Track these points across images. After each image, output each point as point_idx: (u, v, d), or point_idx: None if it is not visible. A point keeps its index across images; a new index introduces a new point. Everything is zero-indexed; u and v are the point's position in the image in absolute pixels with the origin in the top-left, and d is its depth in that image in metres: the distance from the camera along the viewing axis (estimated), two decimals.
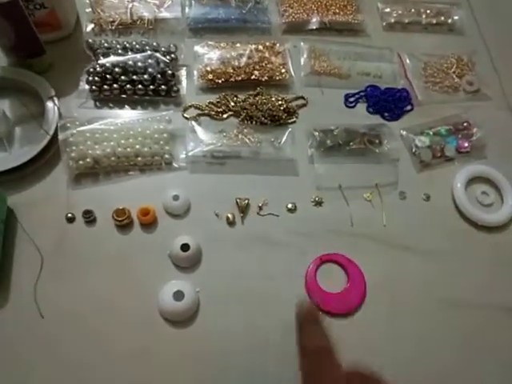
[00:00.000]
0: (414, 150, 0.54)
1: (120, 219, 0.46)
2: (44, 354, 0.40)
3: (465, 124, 0.56)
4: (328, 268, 0.47)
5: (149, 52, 0.54)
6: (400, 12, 0.65)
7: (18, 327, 0.41)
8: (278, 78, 0.57)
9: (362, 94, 0.58)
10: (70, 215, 0.46)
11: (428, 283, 0.47)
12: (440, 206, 0.52)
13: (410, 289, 0.47)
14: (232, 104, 0.55)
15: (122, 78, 0.53)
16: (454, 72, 0.61)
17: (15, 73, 0.52)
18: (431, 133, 0.55)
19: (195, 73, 0.57)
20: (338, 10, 0.63)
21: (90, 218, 0.46)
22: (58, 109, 0.50)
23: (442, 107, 0.58)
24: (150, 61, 0.53)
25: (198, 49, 0.58)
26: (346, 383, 0.31)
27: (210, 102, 0.55)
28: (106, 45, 0.55)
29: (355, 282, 0.46)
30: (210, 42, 0.59)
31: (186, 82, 0.56)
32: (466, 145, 0.55)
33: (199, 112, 0.54)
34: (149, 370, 0.41)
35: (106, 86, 0.53)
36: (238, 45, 0.59)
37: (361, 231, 0.49)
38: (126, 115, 0.53)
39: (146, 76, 0.53)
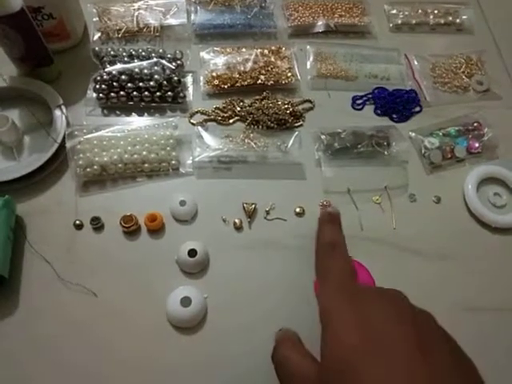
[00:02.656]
0: (423, 152, 0.53)
1: (127, 226, 0.46)
2: (52, 361, 0.40)
3: (475, 124, 0.55)
4: None
5: (155, 59, 0.54)
6: (407, 13, 0.65)
7: (27, 333, 0.42)
8: (284, 82, 0.57)
9: (370, 96, 0.58)
10: (78, 222, 0.47)
11: (440, 287, 0.46)
12: (451, 208, 0.51)
13: (422, 292, 0.45)
14: (238, 109, 0.55)
15: (129, 85, 0.53)
16: (463, 72, 0.60)
17: (24, 82, 0.52)
18: (441, 134, 0.55)
19: (201, 78, 0.57)
20: (343, 13, 0.63)
21: (97, 224, 0.46)
22: (66, 117, 0.51)
23: (451, 108, 0.57)
24: (156, 68, 0.54)
25: (204, 55, 0.58)
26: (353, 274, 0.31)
27: (216, 108, 0.55)
28: (112, 53, 0.55)
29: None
30: (215, 48, 0.59)
31: (192, 88, 0.56)
32: (477, 145, 0.53)
33: (205, 117, 0.55)
34: (156, 376, 0.40)
35: (112, 94, 0.53)
36: (244, 50, 0.59)
37: (370, 235, 0.48)
38: (133, 122, 0.53)
39: (152, 83, 0.53)
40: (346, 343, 0.26)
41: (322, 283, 0.31)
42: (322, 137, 0.53)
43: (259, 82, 0.56)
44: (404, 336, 0.25)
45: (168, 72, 0.54)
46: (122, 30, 0.59)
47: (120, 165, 0.49)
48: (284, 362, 0.34)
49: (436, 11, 0.65)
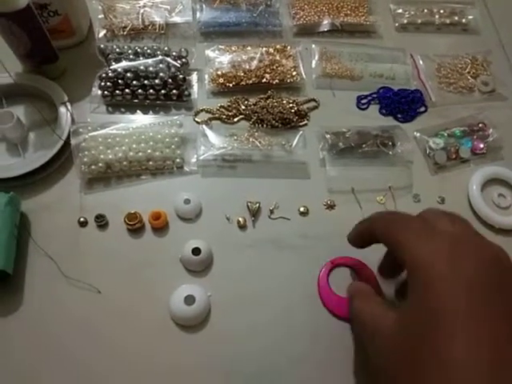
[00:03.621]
0: (428, 152, 0.53)
1: (132, 223, 0.46)
2: (56, 358, 0.41)
3: (480, 125, 0.55)
4: (341, 272, 0.46)
5: (160, 57, 0.54)
6: (413, 12, 0.64)
7: (31, 329, 0.42)
8: (289, 81, 0.57)
9: (375, 95, 0.58)
10: (82, 219, 0.47)
11: None
12: (455, 208, 0.50)
13: None
14: (243, 107, 0.55)
15: (134, 82, 0.53)
16: (468, 72, 0.60)
17: (29, 79, 0.52)
18: (446, 134, 0.54)
19: (206, 77, 0.57)
20: (349, 12, 0.62)
21: (102, 222, 0.47)
22: (71, 114, 0.51)
23: (456, 108, 0.57)
24: (161, 65, 0.54)
25: (209, 53, 0.58)
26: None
27: (221, 106, 0.55)
28: (117, 50, 0.55)
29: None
30: (220, 46, 0.59)
31: (197, 86, 0.56)
32: (482, 146, 0.53)
33: (210, 116, 0.55)
34: (159, 373, 0.40)
35: (117, 91, 0.53)
36: (249, 48, 0.59)
37: None
38: (138, 120, 0.53)
39: (157, 81, 0.53)
40: (440, 296, 0.26)
41: (404, 233, 0.32)
42: (327, 136, 0.53)
43: (264, 80, 0.56)
44: (500, 304, 0.26)
45: (173, 70, 0.54)
46: (128, 28, 0.59)
47: (125, 162, 0.49)
48: (357, 314, 0.35)
49: (442, 11, 0.65)
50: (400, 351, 0.27)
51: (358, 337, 0.39)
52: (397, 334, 0.29)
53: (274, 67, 0.57)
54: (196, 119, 0.54)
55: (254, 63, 0.57)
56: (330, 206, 0.50)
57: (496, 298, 0.26)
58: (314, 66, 0.59)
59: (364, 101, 0.57)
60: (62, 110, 0.51)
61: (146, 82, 0.53)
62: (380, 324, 0.31)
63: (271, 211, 0.49)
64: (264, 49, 0.58)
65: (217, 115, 0.55)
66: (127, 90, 0.53)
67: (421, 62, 0.60)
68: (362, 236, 0.39)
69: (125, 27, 0.59)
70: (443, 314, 0.25)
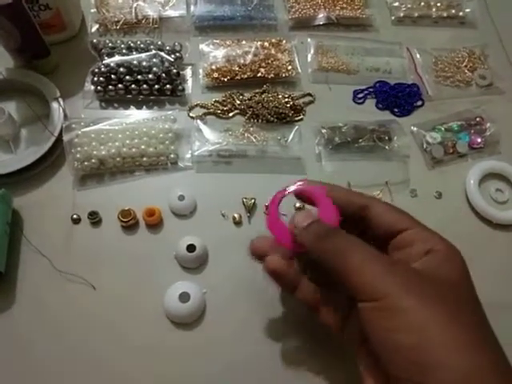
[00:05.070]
0: (425, 147, 0.53)
1: (125, 220, 0.45)
2: (50, 356, 0.40)
3: (477, 119, 0.55)
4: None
5: (153, 51, 0.54)
6: (409, 6, 0.64)
7: (24, 328, 0.41)
8: (284, 75, 0.56)
9: (371, 89, 0.57)
10: (75, 216, 0.46)
11: None
12: (452, 203, 0.50)
13: None
14: (238, 102, 0.54)
15: (127, 77, 0.52)
16: (465, 66, 0.59)
17: (20, 74, 0.52)
18: (443, 128, 0.54)
19: (200, 71, 0.56)
20: (345, 5, 0.62)
21: (95, 219, 0.46)
22: (64, 110, 0.50)
23: (453, 102, 0.57)
24: (154, 60, 0.53)
25: (204, 47, 0.57)
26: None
27: (215, 101, 0.54)
28: (110, 45, 0.54)
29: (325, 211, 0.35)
30: (215, 40, 0.58)
31: (191, 81, 0.55)
32: (479, 140, 0.53)
33: (205, 111, 0.54)
34: (155, 371, 0.40)
35: (111, 87, 0.52)
36: (244, 42, 0.58)
37: None
38: (131, 115, 0.53)
39: (150, 75, 0.52)
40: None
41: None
42: (323, 131, 0.52)
43: (259, 75, 0.56)
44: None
45: (167, 64, 0.53)
46: (121, 22, 0.58)
47: (118, 158, 0.48)
48: (340, 256, 0.30)
49: (439, 4, 0.64)
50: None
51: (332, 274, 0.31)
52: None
53: (270, 61, 0.56)
54: (190, 114, 0.53)
55: (249, 57, 0.56)
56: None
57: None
58: (309, 59, 0.59)
59: (360, 95, 0.57)
60: (55, 105, 0.50)
61: (139, 76, 0.52)
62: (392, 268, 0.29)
63: (267, 207, 0.48)
64: (259, 43, 0.58)
65: (211, 110, 0.54)
66: (120, 85, 0.52)
67: (418, 56, 0.60)
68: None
69: (118, 21, 0.58)
70: None
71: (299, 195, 0.37)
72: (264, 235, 0.37)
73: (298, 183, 0.37)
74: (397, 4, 0.64)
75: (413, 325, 0.26)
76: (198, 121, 0.52)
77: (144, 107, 0.54)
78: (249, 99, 0.54)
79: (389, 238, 0.33)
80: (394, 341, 0.26)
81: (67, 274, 0.43)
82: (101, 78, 0.52)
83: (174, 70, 0.53)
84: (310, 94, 0.56)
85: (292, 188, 0.37)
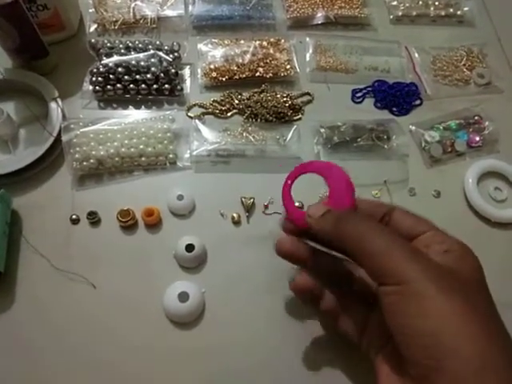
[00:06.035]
0: (423, 146, 0.53)
1: (124, 220, 0.45)
2: (49, 356, 0.40)
3: (476, 118, 0.55)
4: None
5: (152, 51, 0.54)
6: (408, 4, 0.64)
7: (23, 328, 0.41)
8: (282, 75, 0.56)
9: (370, 89, 0.57)
10: (74, 217, 0.46)
11: None
12: (451, 202, 0.50)
13: None
14: (236, 102, 0.54)
15: (125, 77, 0.52)
16: (464, 65, 0.59)
17: (19, 74, 0.52)
18: (441, 127, 0.54)
19: (199, 71, 0.56)
20: (343, 4, 0.62)
21: (94, 219, 0.46)
22: (62, 110, 0.50)
23: (452, 101, 0.57)
24: (152, 60, 0.53)
25: (202, 47, 0.57)
26: None
27: (214, 101, 0.54)
28: (108, 45, 0.54)
29: (338, 190, 0.36)
30: (213, 40, 0.58)
31: (189, 81, 0.55)
32: (478, 139, 0.53)
33: (203, 111, 0.54)
34: (154, 370, 0.40)
35: (109, 87, 0.52)
36: (242, 42, 0.58)
37: None
38: (130, 115, 0.53)
39: (149, 75, 0.52)
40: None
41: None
42: (322, 130, 0.52)
43: (258, 74, 0.56)
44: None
45: (165, 64, 0.53)
46: (119, 22, 0.58)
47: (117, 158, 0.48)
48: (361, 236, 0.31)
49: (437, 3, 0.64)
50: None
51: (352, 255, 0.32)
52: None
53: (268, 61, 0.56)
54: (189, 114, 0.53)
55: (248, 57, 0.56)
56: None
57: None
58: (308, 59, 0.59)
59: (359, 94, 0.57)
60: (53, 105, 0.50)
61: (137, 76, 0.52)
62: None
63: (266, 207, 0.48)
64: (257, 42, 0.58)
65: (210, 110, 0.54)
66: (119, 85, 0.52)
67: (416, 55, 0.60)
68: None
69: (116, 21, 0.58)
70: None
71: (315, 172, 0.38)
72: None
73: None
74: (395, 3, 0.64)
75: (432, 312, 0.27)
76: (197, 120, 0.52)
77: (142, 107, 0.54)
78: (247, 99, 0.54)
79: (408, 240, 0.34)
80: (412, 326, 0.27)
81: (68, 273, 0.43)
82: (99, 78, 0.52)
83: (173, 70, 0.53)
84: (308, 94, 0.56)
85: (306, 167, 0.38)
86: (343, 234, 0.32)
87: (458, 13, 0.64)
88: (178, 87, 0.53)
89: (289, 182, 0.38)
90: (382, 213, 0.35)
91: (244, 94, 0.55)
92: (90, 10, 0.59)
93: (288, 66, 0.56)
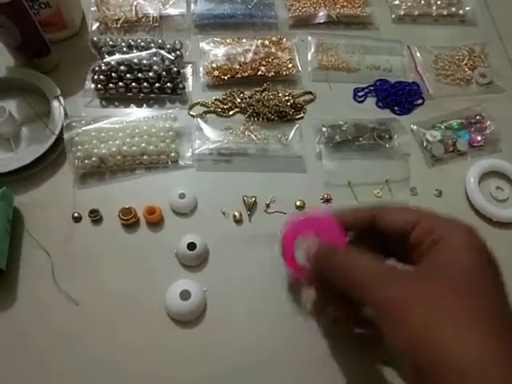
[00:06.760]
0: (425, 145, 0.53)
1: (126, 218, 0.45)
2: (50, 355, 0.40)
3: (477, 117, 0.55)
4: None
5: (154, 49, 0.54)
6: (410, 4, 0.64)
7: (25, 326, 0.41)
8: (284, 74, 0.56)
9: (372, 88, 0.57)
10: (76, 214, 0.46)
11: None
12: (452, 201, 0.50)
13: None
14: (238, 100, 0.54)
15: (128, 76, 0.52)
16: (465, 64, 0.59)
17: (21, 73, 0.52)
18: (443, 127, 0.54)
19: (201, 69, 0.56)
20: (345, 3, 0.62)
21: (96, 217, 0.46)
22: (64, 108, 0.50)
23: (453, 100, 0.57)
24: (155, 58, 0.53)
25: (204, 45, 0.57)
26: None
27: (216, 99, 0.54)
28: (110, 43, 0.54)
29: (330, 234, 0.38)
30: (215, 39, 0.58)
31: (191, 79, 0.56)
32: (479, 138, 0.53)
33: (205, 109, 0.54)
34: (156, 368, 0.40)
35: (111, 85, 0.52)
36: (244, 40, 0.58)
37: None
38: (132, 113, 0.53)
39: (151, 74, 0.52)
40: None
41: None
42: (323, 129, 0.52)
43: (260, 73, 0.56)
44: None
45: (167, 63, 0.53)
46: (121, 20, 0.58)
47: (118, 157, 0.48)
48: (348, 267, 0.33)
49: (439, 2, 0.64)
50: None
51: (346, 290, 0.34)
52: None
53: (270, 59, 0.56)
54: (191, 112, 0.53)
55: (250, 56, 0.56)
56: (327, 200, 0.49)
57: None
58: (310, 58, 0.59)
59: (361, 93, 0.57)
60: (55, 104, 0.50)
61: (139, 75, 0.52)
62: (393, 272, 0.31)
63: (267, 205, 0.48)
64: (259, 41, 0.58)
65: (212, 108, 0.54)
66: (121, 84, 0.52)
67: (418, 54, 0.60)
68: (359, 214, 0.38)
69: (118, 20, 0.58)
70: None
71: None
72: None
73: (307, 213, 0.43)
74: (397, 2, 0.64)
75: (417, 325, 0.27)
76: (199, 119, 0.52)
77: (144, 105, 0.54)
78: (249, 97, 0.54)
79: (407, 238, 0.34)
80: (402, 341, 0.28)
81: (68, 273, 0.43)
82: (101, 77, 0.52)
83: (175, 69, 0.53)
84: (310, 93, 0.56)
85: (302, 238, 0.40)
86: (328, 269, 0.35)
87: (460, 12, 0.64)
88: (180, 86, 0.53)
89: (288, 245, 0.40)
90: (365, 218, 0.36)
91: (246, 92, 0.55)
92: (92, 9, 0.59)
93: (290, 65, 0.56)
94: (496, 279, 0.30)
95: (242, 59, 0.56)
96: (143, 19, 0.59)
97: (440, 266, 0.30)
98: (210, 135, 0.51)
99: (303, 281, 0.41)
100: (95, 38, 0.55)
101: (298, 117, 0.54)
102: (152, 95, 0.53)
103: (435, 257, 0.30)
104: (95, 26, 0.59)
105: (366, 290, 0.31)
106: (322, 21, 0.61)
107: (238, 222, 0.47)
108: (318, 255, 0.36)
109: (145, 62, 0.52)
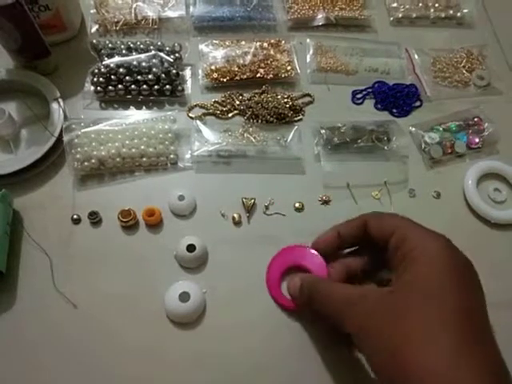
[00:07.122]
0: (423, 147, 0.53)
1: (125, 220, 0.45)
2: (50, 357, 0.40)
3: (475, 119, 0.55)
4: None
5: (153, 52, 0.54)
6: (407, 6, 0.64)
7: (24, 328, 0.41)
8: (283, 76, 0.56)
9: (370, 90, 0.57)
10: (75, 217, 0.46)
11: None
12: (451, 203, 0.51)
13: None
14: (237, 103, 0.54)
15: (127, 78, 0.52)
16: (463, 66, 0.60)
17: (20, 75, 0.52)
18: (441, 129, 0.54)
19: (200, 72, 0.56)
20: (344, 6, 0.62)
21: (95, 219, 0.46)
22: (63, 110, 0.50)
23: (451, 102, 0.57)
24: (154, 60, 0.53)
25: (203, 47, 0.58)
26: None
27: (215, 101, 0.55)
28: (110, 45, 0.54)
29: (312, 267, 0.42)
30: (214, 41, 0.58)
31: (190, 82, 0.56)
32: (477, 140, 0.53)
33: (204, 111, 0.54)
34: (155, 370, 0.40)
35: (110, 87, 0.52)
36: (243, 43, 0.58)
37: None
38: (131, 116, 0.53)
39: (150, 76, 0.52)
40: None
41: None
42: (322, 131, 0.52)
43: (258, 75, 0.56)
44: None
45: (166, 65, 0.53)
46: (120, 23, 0.59)
47: (118, 159, 0.49)
48: (329, 296, 0.36)
49: (437, 4, 0.64)
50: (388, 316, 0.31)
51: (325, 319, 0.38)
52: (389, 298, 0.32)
53: (269, 62, 0.57)
54: (190, 115, 0.54)
55: (249, 58, 0.57)
56: (326, 202, 0.49)
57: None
58: (308, 60, 0.59)
59: (359, 95, 0.57)
60: (54, 106, 0.50)
61: (139, 77, 0.53)
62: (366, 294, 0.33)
63: (266, 207, 0.48)
64: (258, 43, 0.58)
65: (211, 110, 0.54)
66: (120, 86, 0.52)
67: (416, 57, 0.60)
68: (353, 226, 0.40)
69: (117, 22, 0.59)
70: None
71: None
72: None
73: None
74: (395, 5, 0.64)
75: (385, 345, 0.29)
76: (198, 121, 0.53)
77: (144, 108, 0.54)
78: (248, 99, 0.54)
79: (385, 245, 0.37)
80: (376, 359, 0.31)
81: (68, 274, 0.43)
82: (100, 79, 0.52)
83: (174, 71, 0.53)
84: (309, 95, 0.56)
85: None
86: (311, 302, 0.38)
87: (458, 15, 0.64)
88: (179, 88, 0.54)
89: (274, 283, 0.44)
90: (358, 228, 0.39)
91: (245, 94, 0.55)
92: (92, 11, 0.59)
93: (289, 67, 0.57)
94: (470, 281, 0.32)
95: (241, 61, 0.56)
96: (142, 21, 0.59)
97: (412, 274, 0.31)
98: (209, 137, 0.51)
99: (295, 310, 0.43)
100: (94, 41, 0.55)
101: (296, 119, 0.55)
102: (151, 97, 0.54)
103: (409, 264, 0.32)
104: (94, 28, 0.59)
105: (340, 318, 0.34)
106: (320, 23, 0.61)
107: (237, 223, 0.48)
108: (301, 291, 0.39)
109: (144, 64, 0.53)
